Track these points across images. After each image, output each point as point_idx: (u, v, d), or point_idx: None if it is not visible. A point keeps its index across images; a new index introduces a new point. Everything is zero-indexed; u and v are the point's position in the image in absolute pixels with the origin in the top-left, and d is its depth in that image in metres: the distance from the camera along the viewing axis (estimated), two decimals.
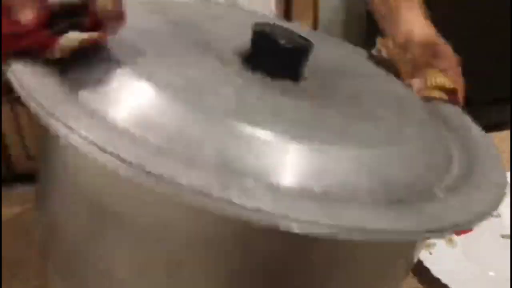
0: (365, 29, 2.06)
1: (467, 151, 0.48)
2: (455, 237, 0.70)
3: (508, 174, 0.76)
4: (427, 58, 0.55)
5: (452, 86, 0.54)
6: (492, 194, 0.40)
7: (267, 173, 0.35)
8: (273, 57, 0.44)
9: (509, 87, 1.76)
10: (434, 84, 0.53)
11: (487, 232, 0.72)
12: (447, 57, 0.56)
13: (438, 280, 0.63)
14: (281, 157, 0.36)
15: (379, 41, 0.59)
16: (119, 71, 0.39)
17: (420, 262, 0.64)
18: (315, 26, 1.94)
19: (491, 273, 0.66)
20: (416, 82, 0.54)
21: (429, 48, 0.56)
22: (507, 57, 1.79)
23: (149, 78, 0.39)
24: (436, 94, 0.54)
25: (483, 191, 0.41)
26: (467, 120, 0.54)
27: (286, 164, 0.36)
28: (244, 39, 0.46)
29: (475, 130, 0.52)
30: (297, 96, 0.44)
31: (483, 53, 1.77)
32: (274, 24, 0.47)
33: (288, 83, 0.44)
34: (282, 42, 0.44)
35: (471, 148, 0.48)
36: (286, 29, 0.46)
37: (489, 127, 0.86)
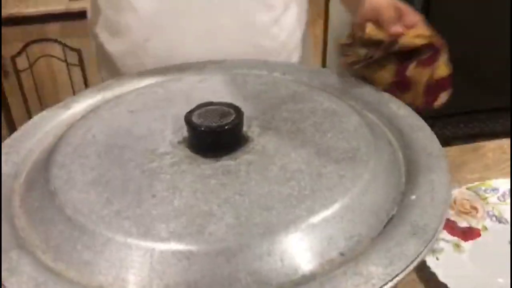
0: None
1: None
2: (462, 243, 0.70)
3: (508, 181, 0.78)
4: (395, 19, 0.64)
5: (429, 33, 0.63)
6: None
7: None
8: (203, 140, 0.49)
9: (509, 97, 1.75)
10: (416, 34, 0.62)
11: (495, 238, 0.71)
12: (413, 14, 0.65)
13: (445, 285, 0.63)
14: None
15: (352, 27, 0.66)
16: None
17: (427, 268, 0.64)
18: (325, 28, 1.96)
19: (500, 280, 0.65)
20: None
21: (396, 11, 0.65)
22: (507, 66, 1.78)
23: None
24: (417, 41, 0.62)
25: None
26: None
27: None
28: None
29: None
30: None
31: (485, 63, 1.77)
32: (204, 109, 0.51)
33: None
34: (207, 126, 0.48)
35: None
36: (215, 111, 0.50)
37: (491, 136, 0.87)
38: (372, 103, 0.60)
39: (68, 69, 1.80)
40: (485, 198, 0.76)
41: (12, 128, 1.77)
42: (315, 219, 0.42)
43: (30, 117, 1.85)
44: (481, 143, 0.86)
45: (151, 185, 0.46)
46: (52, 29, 1.73)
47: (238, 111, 0.50)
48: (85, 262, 0.41)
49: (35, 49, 1.75)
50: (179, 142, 0.51)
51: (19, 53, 1.74)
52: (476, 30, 1.71)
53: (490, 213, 0.75)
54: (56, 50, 1.76)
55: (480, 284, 0.65)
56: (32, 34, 1.72)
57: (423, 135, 0.54)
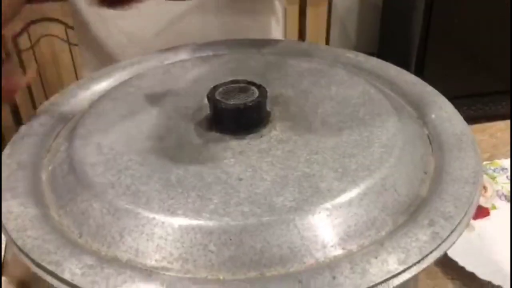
0: (380, 19, 2.07)
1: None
2: (472, 222, 0.71)
3: (508, 161, 0.78)
4: None
5: None
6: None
7: None
8: (228, 117, 0.49)
9: (509, 80, 1.76)
10: None
11: (504, 217, 0.73)
12: None
13: (455, 263, 0.64)
14: None
15: None
16: None
17: None
18: (328, 30, 1.96)
19: (509, 258, 0.67)
20: None
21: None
22: (508, 49, 1.79)
23: None
24: None
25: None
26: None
27: None
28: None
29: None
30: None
31: (484, 47, 1.77)
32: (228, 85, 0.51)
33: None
34: (232, 103, 0.49)
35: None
36: (239, 88, 0.51)
37: (494, 118, 0.87)
38: (388, 80, 0.60)
39: (70, 49, 1.79)
40: (494, 178, 0.77)
41: (15, 109, 1.76)
42: (340, 200, 0.42)
43: (31, 97, 1.83)
44: (490, 123, 0.87)
45: (177, 161, 0.46)
46: (53, 8, 1.72)
47: (260, 88, 0.50)
48: (111, 236, 0.41)
49: (36, 29, 1.74)
50: (201, 120, 0.51)
51: (20, 33, 1.73)
52: (477, 14, 1.71)
53: (499, 192, 0.76)
54: (58, 30, 1.75)
55: (489, 262, 0.66)
56: (33, 14, 1.71)
57: (447, 113, 0.54)
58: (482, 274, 0.63)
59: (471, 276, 0.63)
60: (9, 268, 0.67)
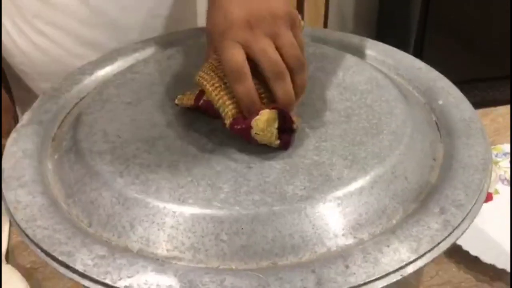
0: (378, 3, 2.05)
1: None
2: None
3: (508, 146, 0.79)
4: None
5: None
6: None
7: None
8: None
9: (509, 65, 1.75)
10: None
11: (507, 201, 0.73)
12: None
13: (459, 247, 0.64)
14: None
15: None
16: None
17: None
18: (326, 14, 1.94)
19: None
20: None
21: None
22: (507, 35, 1.78)
23: None
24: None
25: None
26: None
27: None
28: None
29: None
30: None
31: (483, 31, 1.76)
32: None
33: None
34: None
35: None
36: None
37: (492, 104, 0.87)
38: (394, 65, 0.60)
39: None
40: (497, 163, 0.77)
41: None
42: (351, 188, 0.42)
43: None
44: (492, 108, 0.87)
45: (185, 149, 0.46)
46: None
47: None
48: (121, 225, 0.41)
49: None
50: None
51: None
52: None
53: (502, 176, 0.76)
54: None
55: (492, 246, 0.66)
56: None
57: (454, 99, 0.54)
58: (486, 258, 0.64)
59: (475, 260, 0.64)
60: (13, 256, 0.67)
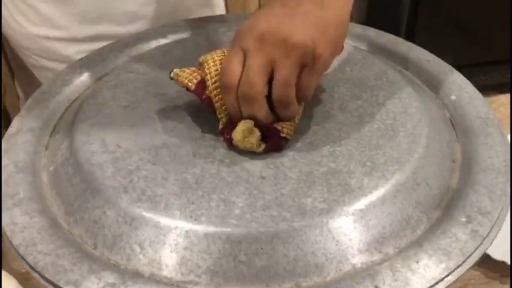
0: (367, 1, 2.01)
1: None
2: None
3: (509, 136, 0.77)
4: None
5: None
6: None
7: None
8: None
9: (509, 49, 1.74)
10: None
11: None
12: None
13: None
14: None
15: None
16: None
17: None
18: None
19: None
20: None
21: None
22: (506, 18, 1.76)
23: None
24: None
25: None
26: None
27: None
28: None
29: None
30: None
31: (476, 15, 1.74)
32: None
33: None
34: None
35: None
36: None
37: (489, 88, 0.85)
38: (401, 57, 0.57)
39: None
40: None
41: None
42: (373, 198, 0.40)
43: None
44: (493, 97, 0.85)
45: (191, 158, 0.43)
46: None
47: None
48: (128, 247, 0.38)
49: None
50: None
51: None
52: None
53: None
54: None
55: (502, 243, 0.65)
56: None
57: (468, 94, 0.52)
58: (496, 254, 0.62)
59: (485, 257, 0.62)
60: (8, 260, 0.63)
